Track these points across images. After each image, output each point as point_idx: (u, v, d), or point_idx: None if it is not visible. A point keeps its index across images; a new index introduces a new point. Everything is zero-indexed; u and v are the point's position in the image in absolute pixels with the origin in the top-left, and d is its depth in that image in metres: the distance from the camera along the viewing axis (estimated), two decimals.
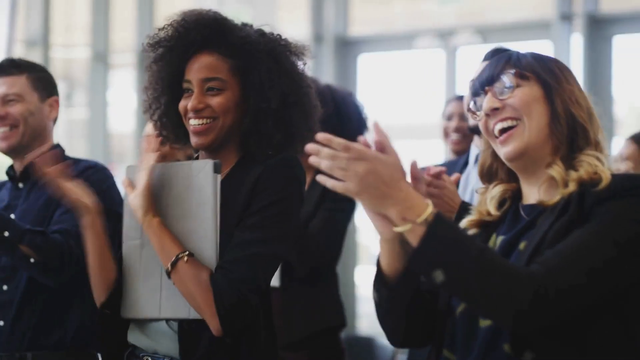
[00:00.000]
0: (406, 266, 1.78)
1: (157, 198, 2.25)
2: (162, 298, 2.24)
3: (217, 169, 2.20)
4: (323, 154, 1.67)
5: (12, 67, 3.22)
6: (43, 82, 3.26)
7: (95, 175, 2.94)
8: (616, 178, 1.78)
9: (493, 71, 1.91)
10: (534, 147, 1.85)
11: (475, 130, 3.25)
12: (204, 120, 2.27)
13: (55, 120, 3.29)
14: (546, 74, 1.88)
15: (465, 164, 3.38)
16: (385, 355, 3.91)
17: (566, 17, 6.74)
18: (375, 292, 1.86)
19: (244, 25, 2.34)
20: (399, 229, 1.68)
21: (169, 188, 2.25)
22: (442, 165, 3.37)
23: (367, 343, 4.26)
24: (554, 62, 1.93)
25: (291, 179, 2.24)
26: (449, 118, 4.26)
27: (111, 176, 3.12)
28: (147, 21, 8.49)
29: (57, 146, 3.26)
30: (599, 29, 6.72)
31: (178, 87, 2.32)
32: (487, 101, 1.89)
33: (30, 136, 3.20)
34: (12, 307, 3.06)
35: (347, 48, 7.36)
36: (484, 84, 1.91)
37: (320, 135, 1.69)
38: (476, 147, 3.33)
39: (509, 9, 7.31)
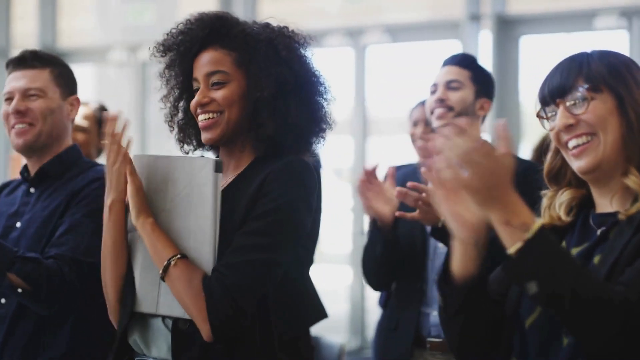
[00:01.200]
0: (478, 270, 1.78)
1: (160, 191, 2.20)
2: (160, 294, 2.18)
3: (218, 168, 2.12)
4: (458, 144, 1.67)
5: (35, 59, 2.97)
6: (65, 79, 3.03)
7: (100, 190, 2.61)
8: None
9: (564, 82, 1.86)
10: (608, 160, 1.82)
11: None
12: (210, 115, 2.23)
13: (73, 120, 3.06)
14: (617, 84, 1.83)
15: None
16: (331, 355, 3.86)
17: (475, 18, 6.79)
18: (440, 296, 1.83)
19: (250, 22, 2.32)
20: (505, 233, 1.67)
21: (173, 182, 2.19)
22: (407, 168, 3.38)
23: (314, 342, 4.23)
24: (622, 63, 1.87)
25: (296, 183, 2.15)
26: (415, 124, 4.25)
27: None
28: (49, 16, 8.31)
29: (74, 147, 3.03)
30: (507, 29, 6.78)
31: (192, 90, 2.28)
32: (560, 117, 1.84)
33: (48, 135, 2.97)
34: (5, 322, 2.88)
35: None
36: (554, 96, 1.86)
37: (461, 121, 1.64)
38: None
39: (419, 8, 7.33)
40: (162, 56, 2.32)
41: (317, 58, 2.28)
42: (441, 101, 3.21)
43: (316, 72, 2.28)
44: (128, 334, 2.25)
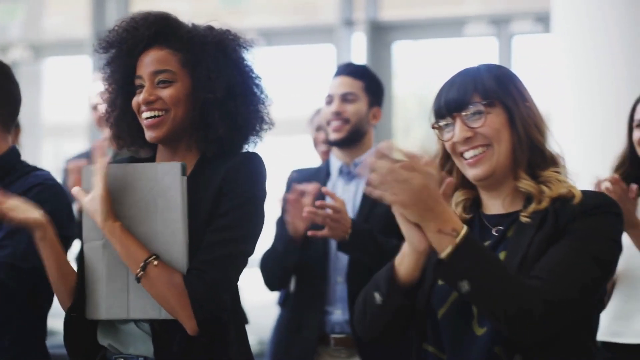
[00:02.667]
0: (421, 276, 1.93)
1: (119, 200, 2.21)
2: (130, 299, 2.21)
3: (184, 172, 2.18)
4: (382, 165, 1.81)
5: None
6: None
7: (41, 195, 2.59)
8: (586, 194, 1.95)
9: (462, 97, 2.00)
10: (501, 168, 1.99)
11: (336, 144, 3.38)
12: (156, 113, 2.26)
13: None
14: (507, 99, 2.00)
15: (327, 174, 3.44)
16: None
17: (349, 23, 6.87)
18: (379, 294, 1.96)
19: (193, 24, 2.37)
20: (437, 240, 1.83)
21: (133, 189, 2.21)
22: (307, 172, 3.50)
23: None
24: (509, 79, 2.04)
25: (256, 177, 2.26)
26: (318, 129, 4.30)
27: (60, 192, 2.79)
28: None
29: (13, 149, 2.78)
30: (380, 35, 6.88)
31: (131, 87, 2.31)
32: (459, 130, 1.99)
33: None
34: None
35: None
36: (451, 110, 2.00)
37: (384, 145, 1.83)
38: (337, 159, 3.42)
39: (293, 12, 7.37)
40: (104, 52, 2.34)
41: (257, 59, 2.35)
42: (337, 114, 3.34)
43: (257, 73, 2.35)
44: (99, 339, 2.29)
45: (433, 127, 2.05)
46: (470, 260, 1.83)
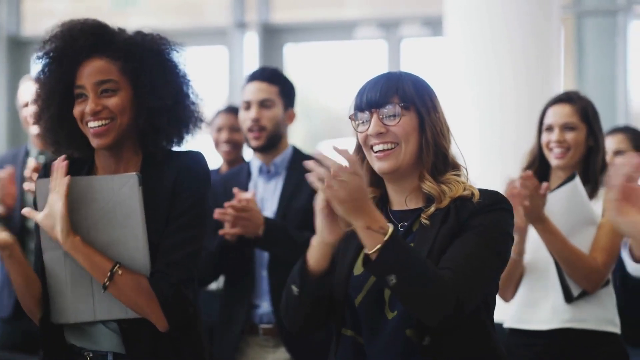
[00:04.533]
0: (330, 265, 2.12)
1: (79, 210, 2.31)
2: (96, 302, 2.32)
3: (140, 182, 2.29)
4: (329, 164, 2.01)
5: None
6: None
7: None
8: (483, 193, 2.17)
9: (382, 97, 2.19)
10: (405, 166, 2.19)
11: (256, 150, 3.51)
12: (103, 122, 2.35)
13: None
14: (422, 106, 2.20)
15: (248, 174, 3.59)
16: None
17: (241, 25, 6.92)
18: (295, 286, 2.14)
19: (121, 29, 2.44)
20: (366, 236, 2.02)
21: (92, 200, 2.32)
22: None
23: None
24: (426, 90, 2.24)
25: (204, 176, 2.39)
26: (219, 130, 4.39)
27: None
28: None
29: None
30: (272, 37, 6.95)
31: (68, 95, 2.38)
32: (374, 125, 2.18)
33: None
34: None
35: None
36: (371, 106, 2.19)
37: (319, 155, 2.01)
38: (257, 159, 3.56)
39: (185, 14, 7.37)
40: (40, 61, 2.40)
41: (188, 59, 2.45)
42: (256, 121, 3.49)
43: (189, 76, 2.45)
44: (67, 338, 2.39)
45: (350, 118, 2.24)
46: (396, 256, 2.01)
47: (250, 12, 6.94)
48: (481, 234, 2.12)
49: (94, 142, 2.36)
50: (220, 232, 3.24)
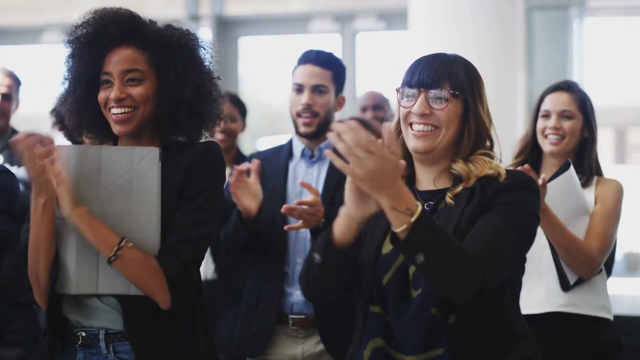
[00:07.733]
0: (355, 239, 2.12)
1: (94, 179, 2.33)
2: (100, 275, 2.32)
3: (160, 157, 2.33)
4: (346, 139, 1.97)
5: None
6: None
7: (5, 181, 2.75)
8: (509, 173, 2.19)
9: (433, 79, 2.21)
10: (440, 149, 2.21)
11: (305, 136, 3.40)
12: (126, 109, 2.39)
13: None
14: (470, 96, 2.23)
15: (290, 154, 3.51)
16: None
17: (195, 18, 6.87)
18: (318, 255, 2.16)
19: (152, 21, 2.48)
20: (392, 216, 2.00)
21: (108, 170, 2.34)
22: (261, 153, 3.58)
23: None
24: (477, 80, 2.26)
25: (219, 164, 2.41)
26: None
27: (17, 181, 2.86)
28: None
29: None
30: (226, 30, 6.91)
31: (95, 80, 2.43)
32: (420, 104, 2.20)
33: None
34: None
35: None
36: (421, 85, 2.21)
37: (352, 123, 1.97)
38: (300, 142, 3.47)
39: (137, 7, 7.29)
40: (70, 45, 2.44)
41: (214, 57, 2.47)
42: (308, 106, 3.39)
43: (215, 74, 2.50)
44: (64, 312, 2.40)
45: (397, 90, 2.26)
46: (425, 235, 2.02)
47: (204, 5, 6.90)
48: (507, 212, 2.14)
49: (115, 129, 2.41)
50: (286, 227, 3.19)
